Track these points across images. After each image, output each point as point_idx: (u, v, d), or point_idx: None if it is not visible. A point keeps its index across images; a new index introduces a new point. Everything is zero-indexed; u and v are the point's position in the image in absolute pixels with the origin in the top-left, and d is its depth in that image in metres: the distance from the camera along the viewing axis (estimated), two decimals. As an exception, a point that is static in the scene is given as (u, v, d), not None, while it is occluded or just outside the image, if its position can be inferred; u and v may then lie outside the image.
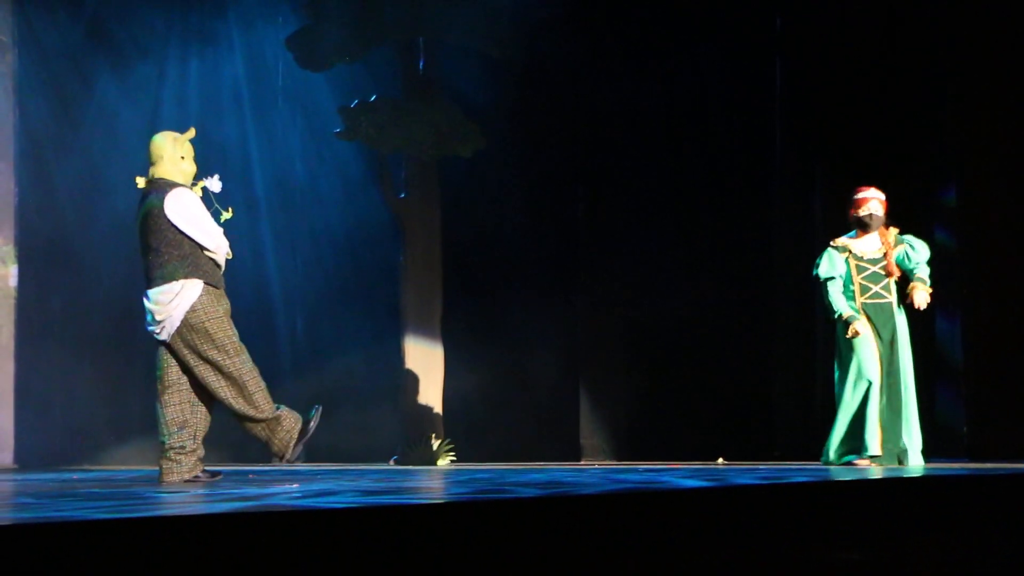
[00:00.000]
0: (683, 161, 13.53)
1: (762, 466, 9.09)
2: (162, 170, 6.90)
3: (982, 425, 10.64)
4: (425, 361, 13.24)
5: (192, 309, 6.66)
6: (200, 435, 6.91)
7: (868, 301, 8.75)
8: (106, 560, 2.90)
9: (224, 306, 6.84)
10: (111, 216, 12.85)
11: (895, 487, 5.78)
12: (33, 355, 12.82)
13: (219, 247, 6.80)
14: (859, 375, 8.64)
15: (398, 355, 13.24)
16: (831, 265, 8.95)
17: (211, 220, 6.81)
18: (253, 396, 6.78)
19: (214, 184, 7.01)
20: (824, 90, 12.53)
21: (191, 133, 7.08)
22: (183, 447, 6.76)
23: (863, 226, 8.94)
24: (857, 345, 8.64)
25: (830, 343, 12.53)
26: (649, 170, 13.61)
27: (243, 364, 6.79)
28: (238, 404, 6.78)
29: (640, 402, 13.45)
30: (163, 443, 6.79)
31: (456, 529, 3.63)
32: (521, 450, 13.08)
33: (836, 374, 8.98)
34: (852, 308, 8.76)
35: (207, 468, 7.00)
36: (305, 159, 14.73)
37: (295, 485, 5.89)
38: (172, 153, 6.93)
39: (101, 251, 12.89)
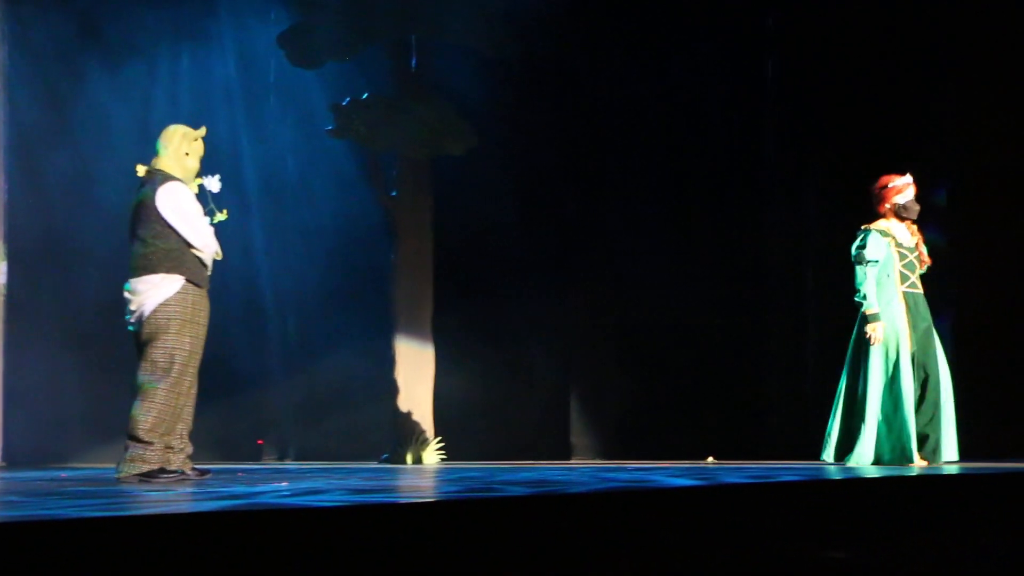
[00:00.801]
0: (676, 160, 13.54)
1: (752, 465, 9.09)
2: (163, 162, 6.90)
3: (972, 424, 10.63)
4: (416, 360, 13.22)
5: (165, 303, 6.61)
6: (186, 430, 6.83)
7: (908, 290, 8.47)
8: (93, 558, 2.89)
9: (202, 308, 6.76)
10: (101, 214, 12.80)
11: (885, 486, 5.78)
12: (22, 352, 12.77)
13: (207, 246, 6.76)
14: (895, 376, 8.36)
15: (389, 354, 13.22)
16: (877, 248, 8.56)
17: (202, 218, 6.78)
18: (148, 412, 6.60)
19: (213, 184, 6.99)
20: (816, 90, 12.55)
21: (202, 131, 7.07)
22: (170, 445, 6.69)
23: (900, 213, 8.58)
24: (887, 346, 8.36)
25: (835, 340, 12.56)
26: (642, 170, 13.63)
27: (169, 379, 6.63)
28: (134, 408, 6.64)
29: (631, 401, 13.46)
30: (129, 431, 6.68)
31: (445, 527, 3.62)
32: (511, 449, 13.08)
33: (860, 370, 8.60)
34: (887, 298, 8.47)
35: (196, 466, 6.95)
36: (296, 157, 14.70)
37: (284, 483, 5.88)
38: (177, 147, 6.92)
39: (91, 249, 12.84)
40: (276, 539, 3.21)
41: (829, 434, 8.64)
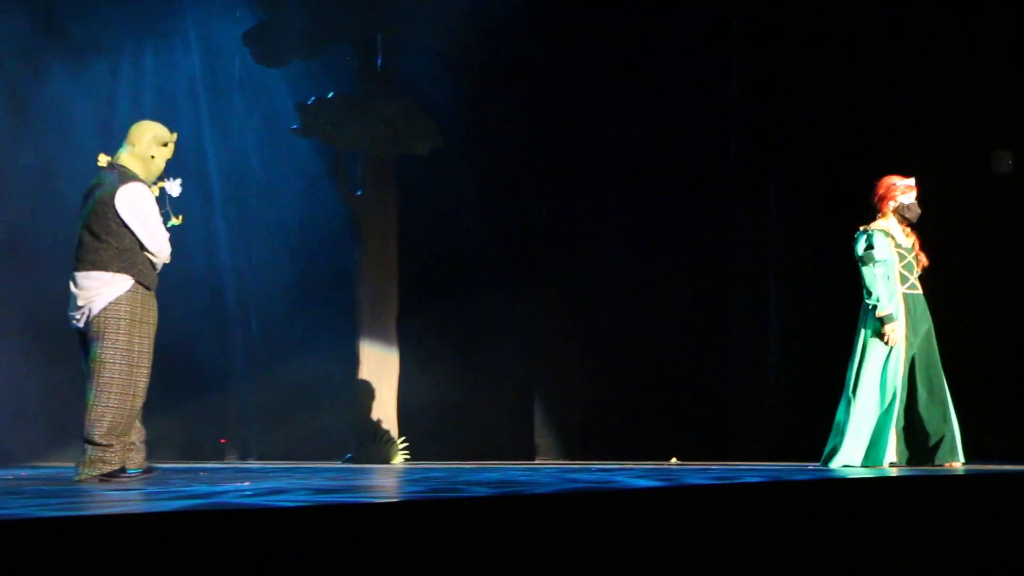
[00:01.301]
0: (641, 162, 13.57)
1: (715, 466, 9.11)
2: (128, 158, 6.83)
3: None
4: (380, 360, 13.20)
5: (116, 302, 6.56)
6: (127, 428, 6.72)
7: (908, 291, 8.38)
8: (52, 558, 2.86)
9: (150, 309, 6.71)
10: (63, 211, 12.71)
11: (848, 488, 5.80)
12: (-18, 352, 12.68)
13: (160, 251, 6.69)
14: (890, 380, 8.30)
15: (353, 353, 13.19)
16: (883, 248, 8.35)
17: (159, 222, 6.72)
18: (104, 416, 6.54)
19: (173, 188, 6.94)
20: (781, 93, 12.60)
21: (174, 136, 7.00)
22: (108, 444, 6.59)
23: (903, 214, 8.39)
24: (890, 348, 8.27)
25: (797, 343, 12.60)
26: (607, 171, 13.65)
27: (122, 380, 6.58)
28: (90, 412, 6.58)
29: (595, 402, 13.48)
30: (86, 433, 6.62)
31: (408, 528, 3.61)
32: (476, 449, 13.08)
33: (860, 372, 8.37)
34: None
35: (152, 464, 6.89)
36: (261, 155, 14.66)
37: (246, 483, 5.86)
38: (146, 147, 6.86)
39: (52, 246, 12.75)
40: (238, 539, 3.20)
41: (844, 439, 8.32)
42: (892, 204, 8.38)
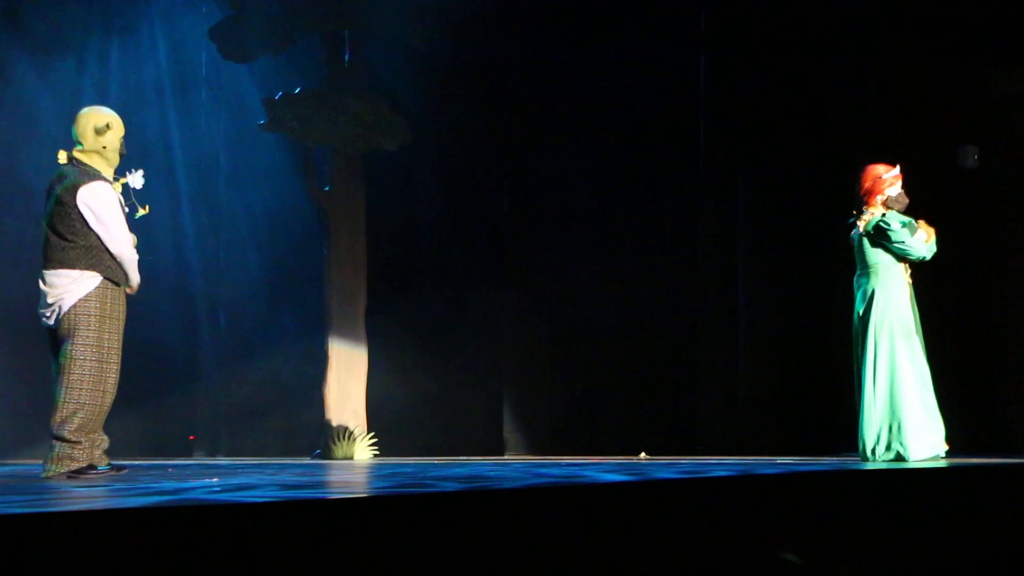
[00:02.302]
0: (609, 158, 13.59)
1: (684, 460, 9.14)
2: (82, 154, 6.77)
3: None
4: (349, 355, 13.17)
5: (85, 298, 6.54)
6: (97, 425, 6.69)
7: (910, 280, 8.36)
8: (19, 556, 2.85)
9: (119, 306, 6.69)
10: (28, 207, 12.65)
11: (817, 481, 5.83)
12: (-52, 349, 12.61)
13: (121, 252, 6.63)
14: (921, 363, 8.20)
15: (322, 349, 13.16)
16: (912, 228, 8.16)
17: (121, 222, 6.65)
18: (75, 413, 6.51)
19: (136, 180, 6.90)
20: (748, 88, 12.64)
21: (111, 117, 6.88)
22: (77, 441, 6.56)
23: (890, 205, 8.24)
24: (894, 337, 8.16)
25: (766, 338, 12.66)
26: (575, 166, 13.67)
27: (92, 377, 6.55)
28: (60, 409, 6.55)
29: (564, 397, 13.50)
30: (55, 431, 6.59)
31: (378, 523, 3.61)
32: (445, 444, 13.08)
33: (902, 363, 8.10)
34: (898, 287, 8.26)
35: (113, 462, 6.85)
36: (228, 151, 14.61)
37: (215, 479, 5.84)
38: (91, 141, 6.80)
39: (18, 243, 12.69)
40: (206, 535, 3.19)
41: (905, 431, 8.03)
42: (880, 197, 8.33)
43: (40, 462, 6.74)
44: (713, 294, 13.16)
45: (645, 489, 4.94)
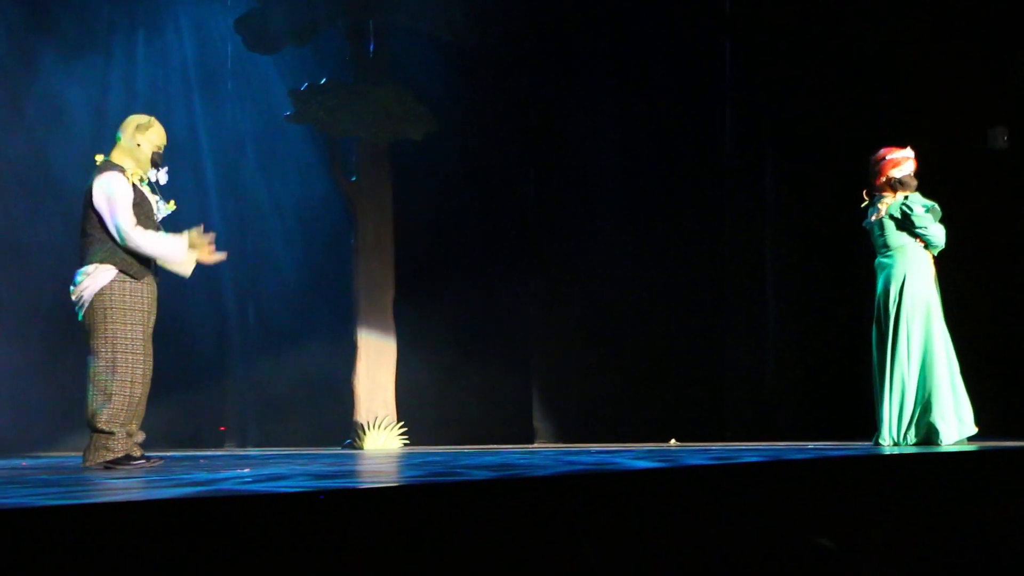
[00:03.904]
0: (635, 144, 13.56)
1: (714, 446, 9.12)
2: (116, 153, 6.86)
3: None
4: (377, 345, 13.20)
5: (100, 293, 6.59)
6: (130, 416, 6.74)
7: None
8: (55, 547, 2.87)
9: (139, 299, 6.69)
10: (58, 201, 12.72)
11: (848, 465, 5.81)
12: (-19, 343, 12.69)
13: (119, 237, 6.62)
14: (950, 346, 8.22)
15: (350, 339, 13.19)
16: (935, 214, 8.17)
17: (126, 210, 6.66)
18: (104, 405, 6.54)
19: (161, 176, 6.95)
20: (774, 74, 12.59)
21: (151, 119, 6.99)
22: (111, 432, 6.62)
23: (899, 187, 8.21)
24: (930, 318, 8.13)
25: (794, 323, 12.62)
26: (601, 153, 13.64)
27: (117, 369, 6.58)
28: (90, 402, 6.60)
29: (593, 384, 13.48)
30: (89, 422, 6.67)
31: (408, 512, 3.62)
32: (474, 433, 13.09)
33: (937, 344, 8.04)
34: (926, 268, 8.22)
35: (147, 454, 6.89)
36: (255, 143, 14.64)
37: (246, 470, 5.86)
38: (131, 137, 6.88)
39: (49, 237, 12.76)
40: (238, 525, 3.20)
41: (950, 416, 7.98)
42: (884, 178, 8.29)
43: (78, 454, 6.80)
44: (741, 280, 13.11)
45: (676, 476, 4.94)
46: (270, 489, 3.91)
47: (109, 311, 6.60)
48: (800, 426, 11.81)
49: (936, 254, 8.23)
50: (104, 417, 6.52)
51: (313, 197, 14.07)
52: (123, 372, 6.59)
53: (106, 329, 6.59)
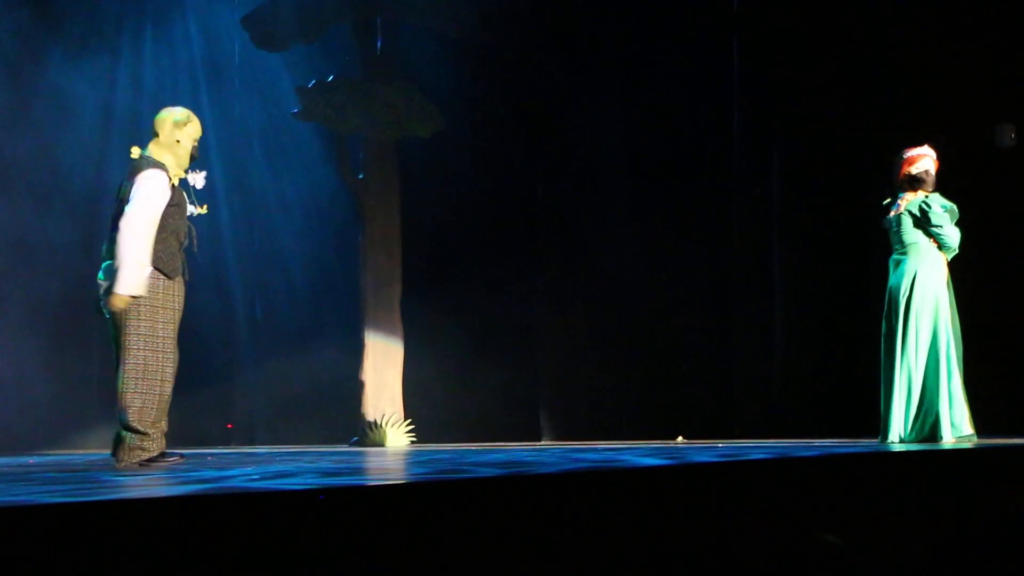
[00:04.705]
0: (641, 143, 13.56)
1: (721, 444, 9.12)
2: (154, 148, 6.87)
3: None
4: (385, 342, 13.21)
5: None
6: (163, 414, 6.80)
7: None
8: (62, 544, 2.87)
9: (172, 297, 6.71)
10: (66, 199, 12.75)
11: (855, 463, 5.81)
12: (-11, 340, 12.71)
13: (127, 231, 6.57)
14: (959, 345, 8.23)
15: (357, 336, 13.20)
16: (941, 204, 8.18)
17: (150, 212, 6.65)
18: (134, 402, 6.56)
19: (197, 179, 6.97)
20: (782, 72, 12.57)
21: (190, 115, 7.01)
22: (145, 432, 6.67)
23: (915, 184, 8.28)
24: (937, 315, 8.18)
25: (801, 321, 12.62)
26: (607, 152, 13.64)
27: (148, 367, 6.60)
28: (120, 398, 6.61)
29: (600, 382, 13.48)
30: (121, 422, 6.70)
31: (416, 509, 3.62)
32: (481, 430, 13.10)
33: (941, 344, 8.10)
34: (939, 266, 8.25)
35: (170, 451, 6.91)
36: (262, 139, 14.65)
37: (253, 467, 5.87)
38: (169, 134, 6.89)
39: (56, 236, 12.78)
40: (246, 522, 3.21)
41: (947, 413, 8.03)
42: (902, 176, 8.34)
43: (84, 451, 6.80)
44: (748, 277, 13.11)
45: (683, 473, 4.94)
46: (277, 487, 3.92)
47: (142, 308, 6.59)
48: (808, 424, 11.80)
49: (950, 257, 8.23)
50: (135, 416, 6.54)
51: (320, 194, 14.08)
52: (154, 370, 6.60)
53: (139, 326, 6.59)
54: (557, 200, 13.96)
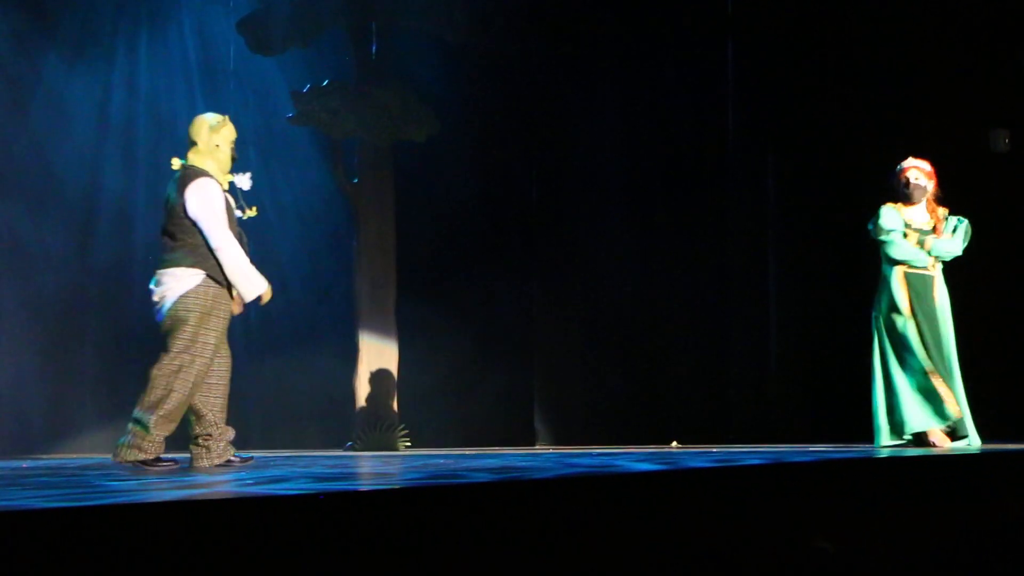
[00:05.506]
0: (637, 146, 13.57)
1: (716, 449, 9.13)
2: (195, 156, 6.94)
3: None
4: (379, 346, 13.20)
5: (184, 296, 6.68)
6: (220, 418, 6.90)
7: (911, 271, 8.44)
8: (55, 549, 2.87)
9: (221, 304, 6.83)
10: (61, 203, 12.72)
11: (850, 468, 5.81)
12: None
13: (219, 247, 6.74)
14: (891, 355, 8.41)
15: (352, 340, 13.20)
16: (893, 219, 8.37)
17: (222, 219, 6.78)
18: (164, 400, 6.60)
19: (244, 181, 7.05)
20: (776, 74, 12.60)
21: (225, 118, 7.08)
22: (208, 434, 6.79)
23: (906, 196, 8.43)
24: (887, 324, 8.36)
25: (796, 326, 12.63)
26: (603, 155, 13.65)
27: (184, 372, 6.65)
28: (149, 392, 6.64)
29: (595, 387, 13.49)
30: (189, 431, 6.83)
31: (410, 514, 3.62)
32: (476, 435, 13.09)
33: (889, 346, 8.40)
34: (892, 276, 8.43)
35: (238, 453, 7.02)
36: (257, 144, 14.63)
37: (247, 472, 5.87)
38: (207, 140, 6.97)
39: (52, 240, 12.77)
40: (238, 528, 3.20)
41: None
42: (897, 188, 8.48)
43: (77, 455, 6.82)
44: (743, 282, 13.12)
45: (677, 478, 4.94)
46: (270, 491, 3.91)
47: (192, 314, 6.70)
48: (803, 429, 11.81)
49: (905, 264, 8.34)
50: (160, 414, 6.60)
51: (315, 199, 14.07)
52: (186, 374, 6.66)
53: (184, 331, 6.67)
54: (552, 204, 13.97)
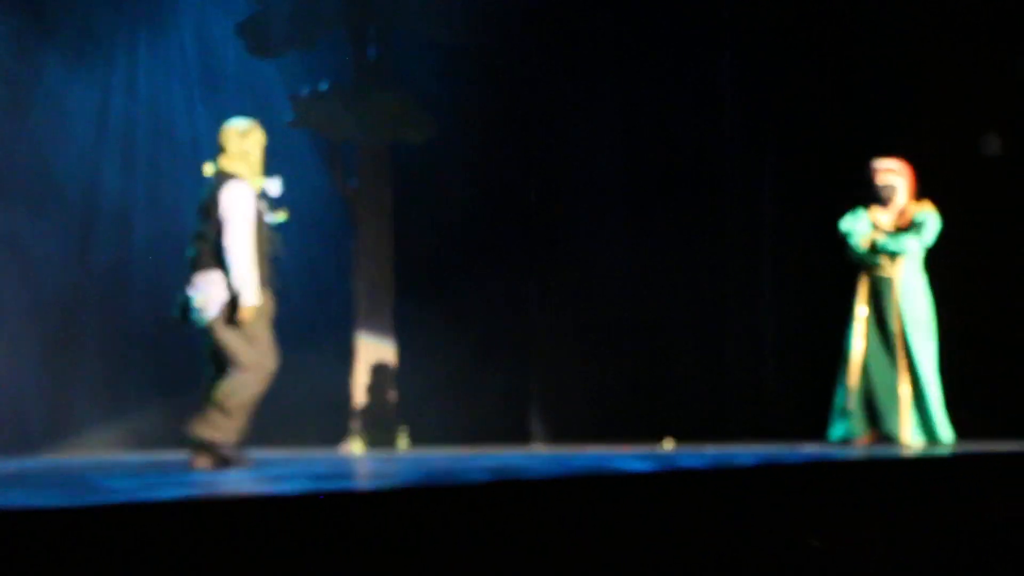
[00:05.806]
0: (636, 149, 13.58)
1: (710, 449, 9.16)
2: (227, 162, 6.99)
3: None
4: (377, 348, 13.23)
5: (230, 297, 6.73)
6: (243, 408, 6.93)
7: (873, 273, 8.54)
8: (54, 549, 2.90)
9: (263, 302, 6.88)
10: (61, 205, 12.74)
11: (843, 469, 5.84)
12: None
13: (232, 251, 6.76)
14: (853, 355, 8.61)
15: (350, 342, 13.22)
16: (852, 221, 8.67)
17: (245, 224, 6.81)
18: (240, 388, 6.70)
19: (273, 187, 7.10)
20: (775, 77, 12.61)
21: (253, 124, 7.13)
22: (231, 416, 6.83)
23: (878, 198, 8.61)
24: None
25: (792, 326, 12.65)
26: (602, 157, 13.65)
27: (258, 363, 6.73)
28: (226, 384, 6.73)
29: (590, 386, 13.49)
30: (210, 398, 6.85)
31: (406, 514, 3.65)
32: (473, 435, 13.11)
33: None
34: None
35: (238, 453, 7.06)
36: (256, 147, 14.62)
37: (246, 471, 5.90)
38: (238, 146, 7.01)
39: (51, 243, 12.78)
40: (238, 526, 3.23)
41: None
42: (874, 189, 8.63)
43: (79, 455, 6.85)
44: (741, 282, 13.14)
45: (672, 479, 4.97)
46: (269, 490, 3.94)
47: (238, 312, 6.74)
48: (799, 428, 11.82)
49: (865, 266, 8.50)
50: (236, 400, 6.70)
51: (313, 201, 14.06)
52: (256, 368, 6.74)
53: (240, 332, 6.72)
54: (550, 207, 13.97)
